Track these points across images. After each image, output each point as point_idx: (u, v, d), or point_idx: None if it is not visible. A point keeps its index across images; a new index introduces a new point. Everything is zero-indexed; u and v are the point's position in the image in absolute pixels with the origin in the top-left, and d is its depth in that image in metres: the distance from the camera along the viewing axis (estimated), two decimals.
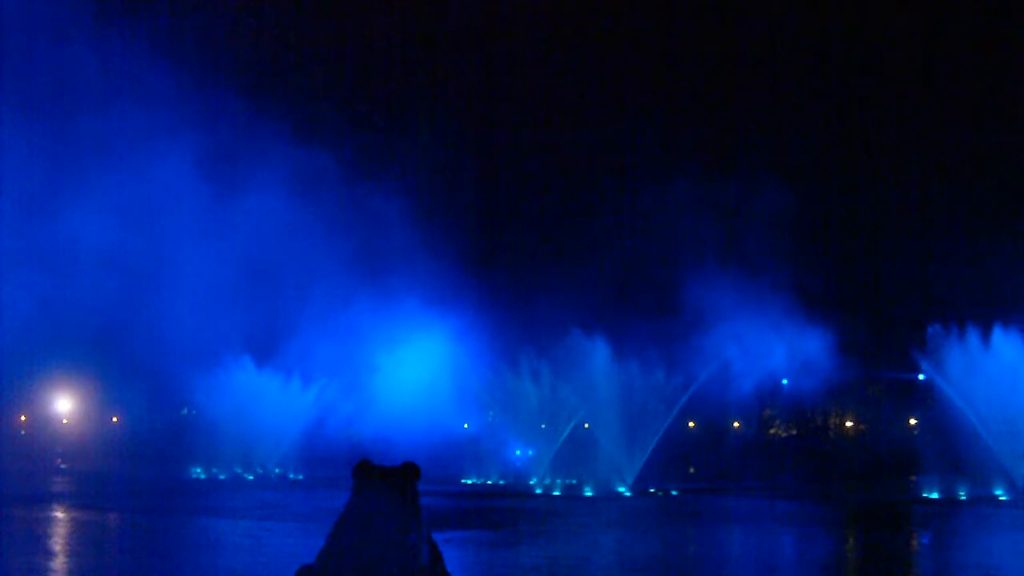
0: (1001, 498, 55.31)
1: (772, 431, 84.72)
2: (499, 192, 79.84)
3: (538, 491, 58.33)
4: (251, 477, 67.73)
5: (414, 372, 64.25)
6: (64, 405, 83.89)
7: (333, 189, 65.43)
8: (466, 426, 69.72)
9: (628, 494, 57.38)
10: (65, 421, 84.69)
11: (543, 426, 65.38)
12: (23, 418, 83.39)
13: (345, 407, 66.55)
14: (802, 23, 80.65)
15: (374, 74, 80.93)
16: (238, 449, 69.66)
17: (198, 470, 68.79)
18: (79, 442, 79.60)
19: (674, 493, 58.02)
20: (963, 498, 55.17)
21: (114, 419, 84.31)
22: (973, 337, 58.70)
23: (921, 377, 72.16)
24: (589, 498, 55.31)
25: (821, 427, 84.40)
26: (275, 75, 76.03)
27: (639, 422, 61.71)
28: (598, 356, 62.50)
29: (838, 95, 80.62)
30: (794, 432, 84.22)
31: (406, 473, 9.30)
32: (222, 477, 67.21)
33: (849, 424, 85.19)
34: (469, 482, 63.77)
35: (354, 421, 66.43)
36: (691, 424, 78.18)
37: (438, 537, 9.45)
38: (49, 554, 29.35)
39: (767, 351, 64.67)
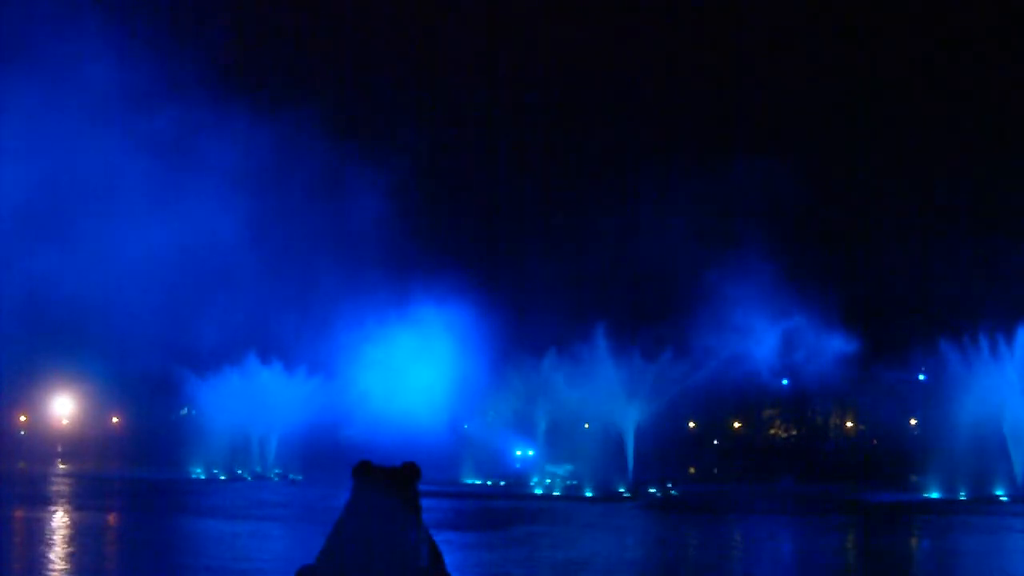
0: (1002, 498, 55.30)
1: (772, 431, 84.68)
2: (499, 189, 79.76)
3: (538, 492, 58.26)
4: (250, 477, 67.66)
5: (414, 372, 64.19)
6: (64, 405, 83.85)
7: (333, 187, 65.38)
8: (466, 427, 69.65)
9: (628, 495, 57.32)
10: (65, 421, 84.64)
11: (543, 427, 65.29)
12: (23, 418, 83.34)
13: (345, 407, 66.47)
14: (805, 19, 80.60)
15: (374, 74, 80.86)
16: (237, 449, 69.59)
17: (198, 470, 68.68)
18: (79, 442, 79.53)
19: (674, 494, 57.95)
20: (963, 498, 55.15)
21: (114, 419, 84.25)
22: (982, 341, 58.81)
23: (921, 377, 72.19)
24: (589, 499, 55.26)
25: (821, 427, 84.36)
26: (275, 72, 75.95)
27: (639, 422, 61.69)
28: (598, 356, 62.46)
29: (841, 95, 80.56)
30: (794, 432, 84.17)
31: (406, 474, 9.27)
32: (222, 477, 67.14)
33: (849, 424, 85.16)
34: (469, 483, 63.70)
35: (353, 421, 66.35)
36: (691, 424, 78.14)
37: (438, 538, 9.43)
38: (48, 554, 29.31)
39: (767, 351, 64.65)
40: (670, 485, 59.58)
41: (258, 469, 69.49)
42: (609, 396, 61.60)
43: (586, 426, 63.07)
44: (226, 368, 69.42)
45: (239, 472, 68.46)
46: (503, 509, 47.46)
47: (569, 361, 63.08)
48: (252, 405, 68.60)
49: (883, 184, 78.72)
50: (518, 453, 67.06)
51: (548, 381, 63.83)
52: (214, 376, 69.59)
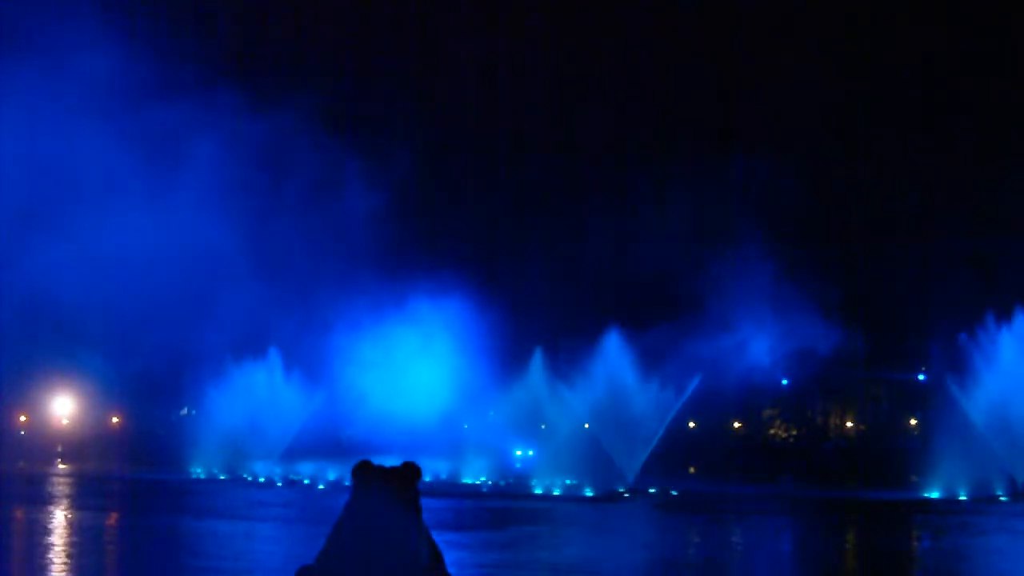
0: (1002, 498, 55.30)
1: (772, 431, 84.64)
2: (498, 188, 79.73)
3: (538, 491, 58.25)
4: (251, 478, 67.61)
5: (413, 372, 64.17)
6: (64, 405, 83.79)
7: (331, 186, 65.38)
8: (466, 426, 69.60)
9: (628, 495, 57.33)
10: (65, 421, 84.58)
11: (543, 426, 65.23)
12: (23, 418, 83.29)
13: (345, 407, 66.45)
14: (805, 19, 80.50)
15: (374, 72, 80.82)
16: (238, 449, 69.53)
17: (198, 470, 68.64)
18: (79, 442, 79.47)
19: (674, 493, 57.94)
20: (963, 498, 55.15)
21: (114, 419, 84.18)
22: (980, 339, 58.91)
23: (921, 377, 72.20)
24: (589, 498, 55.26)
25: (821, 427, 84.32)
26: (274, 70, 75.90)
27: (639, 422, 61.67)
28: (598, 355, 62.47)
29: (839, 94, 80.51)
30: (794, 432, 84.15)
31: (406, 474, 9.28)
32: (222, 477, 67.10)
33: (849, 424, 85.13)
34: (469, 482, 63.67)
35: (353, 421, 66.32)
36: (691, 424, 78.07)
37: (438, 538, 9.43)
38: (48, 554, 29.30)
39: (767, 350, 64.64)
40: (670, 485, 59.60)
41: (258, 469, 69.43)
42: (609, 395, 61.61)
43: (586, 426, 63.07)
44: (226, 368, 69.41)
45: (239, 472, 68.41)
46: (503, 509, 47.45)
47: (568, 360, 63.10)
48: (252, 405, 68.58)
49: (883, 184, 78.70)
50: (518, 453, 67.07)
51: (547, 380, 63.85)
52: (214, 376, 69.56)
